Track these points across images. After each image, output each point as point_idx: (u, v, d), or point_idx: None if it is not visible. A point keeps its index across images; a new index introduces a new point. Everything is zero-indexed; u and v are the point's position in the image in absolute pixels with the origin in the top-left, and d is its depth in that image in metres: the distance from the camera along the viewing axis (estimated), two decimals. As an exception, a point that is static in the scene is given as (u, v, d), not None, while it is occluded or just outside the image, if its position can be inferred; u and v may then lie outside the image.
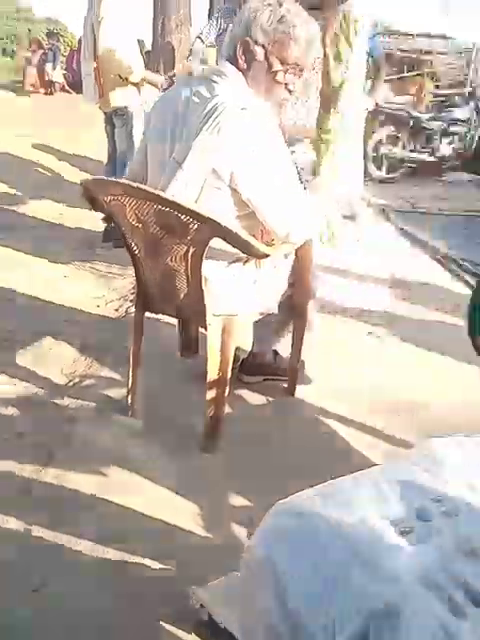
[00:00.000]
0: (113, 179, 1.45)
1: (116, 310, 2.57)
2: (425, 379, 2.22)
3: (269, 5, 1.46)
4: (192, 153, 1.42)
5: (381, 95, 5.93)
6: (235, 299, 1.62)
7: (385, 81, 6.87)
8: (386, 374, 2.23)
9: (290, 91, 1.55)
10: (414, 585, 0.67)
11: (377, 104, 5.21)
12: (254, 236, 1.54)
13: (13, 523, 1.38)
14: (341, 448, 1.77)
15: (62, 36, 6.97)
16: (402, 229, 4.34)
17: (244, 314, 1.68)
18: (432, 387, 2.16)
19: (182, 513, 1.46)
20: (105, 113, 3.38)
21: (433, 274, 3.43)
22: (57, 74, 9.82)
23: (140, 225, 1.50)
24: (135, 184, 1.41)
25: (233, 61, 1.49)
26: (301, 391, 2.04)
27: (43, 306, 2.55)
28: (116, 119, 3.27)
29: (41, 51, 10.10)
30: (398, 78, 8.12)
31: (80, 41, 3.66)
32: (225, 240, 1.47)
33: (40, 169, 4.95)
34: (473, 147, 6.03)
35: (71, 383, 2.00)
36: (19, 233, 3.46)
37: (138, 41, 3.58)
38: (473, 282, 3.22)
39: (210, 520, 1.44)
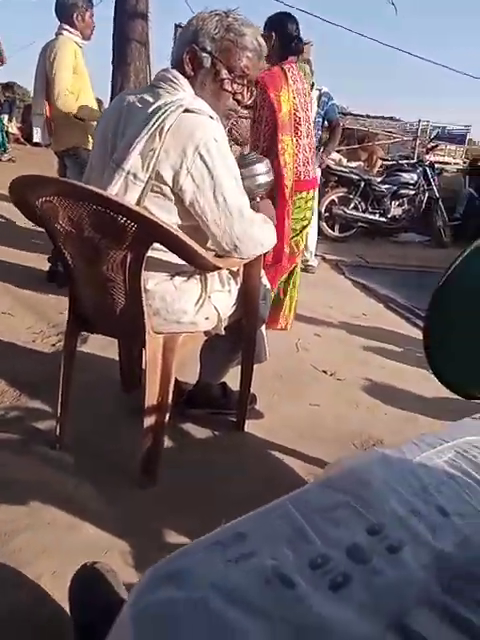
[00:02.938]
0: (44, 176, 1.34)
1: (53, 345, 2.39)
2: (378, 418, 2.13)
3: (217, 15, 1.44)
4: (133, 154, 1.34)
5: (335, 158, 6.21)
6: (177, 315, 1.50)
7: (337, 151, 7.25)
8: (341, 411, 2.14)
9: (239, 101, 1.52)
10: None
11: (329, 166, 5.43)
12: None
13: None
14: (291, 484, 1.61)
15: (18, 90, 6.89)
16: (356, 281, 4.38)
17: (187, 333, 1.56)
18: (385, 425, 2.07)
19: (111, 553, 1.26)
20: (57, 154, 3.33)
21: (387, 320, 3.44)
22: (12, 126, 9.81)
23: (74, 230, 1.38)
24: (68, 181, 1.31)
25: (180, 68, 1.45)
26: (250, 426, 1.90)
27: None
28: (68, 159, 3.20)
29: None
30: (350, 149, 8.58)
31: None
32: (166, 245, 1.37)
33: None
34: (421, 209, 6.30)
35: (-4, 416, 1.80)
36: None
37: (98, 100, 3.59)
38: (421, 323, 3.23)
39: (142, 561, 1.25)
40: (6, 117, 9.53)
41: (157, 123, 1.32)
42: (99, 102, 4.19)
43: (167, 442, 1.66)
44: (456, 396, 2.02)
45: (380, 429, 2.02)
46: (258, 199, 1.69)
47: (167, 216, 1.40)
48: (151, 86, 1.47)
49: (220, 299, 1.59)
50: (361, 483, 0.67)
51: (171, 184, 1.36)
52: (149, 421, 1.51)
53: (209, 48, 1.43)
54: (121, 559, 1.24)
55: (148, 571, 0.57)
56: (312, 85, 4.07)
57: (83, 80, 3.11)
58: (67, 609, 1.05)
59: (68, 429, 1.67)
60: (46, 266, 3.33)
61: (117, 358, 2.04)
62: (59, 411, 1.65)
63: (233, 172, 1.44)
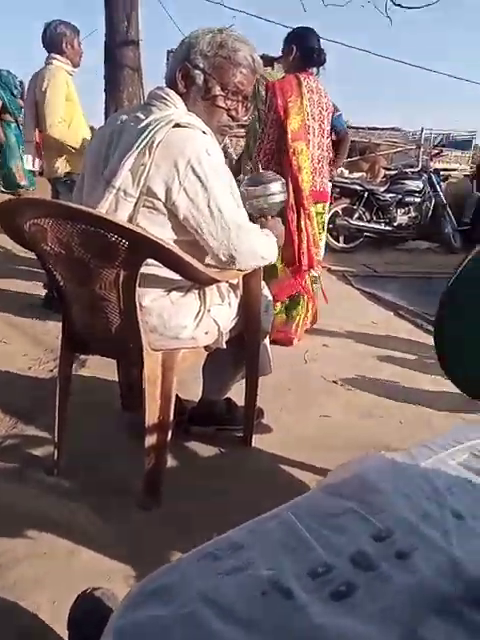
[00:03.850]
0: (32, 198, 1.34)
1: (50, 371, 2.37)
2: (392, 426, 2.07)
3: (210, 32, 1.44)
4: (122, 170, 1.32)
5: (339, 170, 6.19)
6: (176, 331, 1.47)
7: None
8: (353, 421, 2.08)
9: (233, 117, 1.51)
10: None
11: (332, 178, 5.41)
12: None
13: None
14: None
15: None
16: (364, 291, 4.33)
17: (187, 348, 1.52)
18: (400, 433, 2.01)
19: (113, 578, 1.22)
20: (50, 181, 3.34)
21: (397, 327, 3.38)
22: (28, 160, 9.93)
23: (63, 250, 1.36)
24: (56, 201, 1.30)
25: (173, 86, 1.45)
26: (258, 441, 1.85)
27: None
28: (60, 186, 3.19)
29: None
30: (351, 161, 8.57)
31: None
32: (160, 260, 1.34)
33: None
34: (429, 216, 6.24)
35: (-8, 445, 1.77)
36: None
37: (91, 128, 3.61)
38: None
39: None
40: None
41: (147, 138, 1.31)
42: (92, 130, 4.23)
43: (171, 461, 1.62)
44: (472, 402, 1.95)
45: (394, 438, 1.95)
46: (269, 218, 1.67)
47: (161, 231, 1.38)
48: (145, 104, 1.47)
49: (220, 312, 1.56)
50: (367, 488, 0.63)
51: (164, 199, 1.35)
52: (151, 440, 1.47)
53: (202, 65, 1.43)
54: (124, 583, 1.20)
55: (133, 587, 0.54)
56: None
57: (75, 107, 3.14)
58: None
59: (66, 454, 1.63)
60: (43, 293, 3.34)
61: (116, 378, 2.01)
62: (56, 436, 1.62)
63: (228, 185, 1.42)
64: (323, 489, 0.71)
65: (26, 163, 3.28)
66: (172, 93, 1.43)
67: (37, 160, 3.23)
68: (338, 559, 0.54)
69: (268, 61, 4.25)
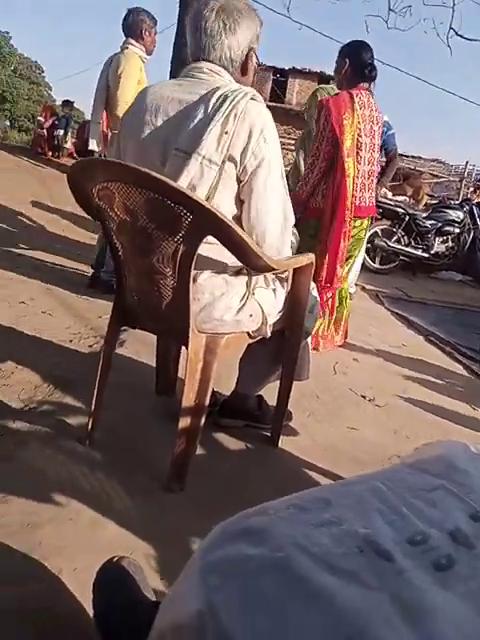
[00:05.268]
0: (105, 159, 1.33)
1: (90, 346, 2.37)
2: (418, 444, 2.02)
3: (248, 9, 1.48)
4: (208, 138, 1.33)
5: (382, 190, 6.16)
6: (222, 312, 1.44)
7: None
8: (380, 437, 2.03)
9: None
10: None
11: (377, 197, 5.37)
12: None
13: None
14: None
15: (75, 108, 7.04)
16: (395, 312, 4.28)
17: (231, 334, 1.50)
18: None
19: (134, 554, 1.18)
20: None
21: (427, 352, 3.32)
22: (68, 140, 10.24)
23: (128, 217, 1.36)
24: (129, 165, 1.29)
25: (236, 68, 1.49)
26: (284, 442, 1.81)
27: (15, 336, 2.35)
28: None
29: (53, 118, 10.27)
30: (395, 185, 8.53)
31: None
32: (220, 239, 1.32)
33: (38, 220, 4.96)
34: (466, 248, 6.17)
35: (27, 408, 1.76)
36: (9, 269, 3.33)
37: None
38: (464, 360, 3.14)
39: (164, 564, 1.18)
40: (62, 131, 9.92)
41: (229, 108, 1.34)
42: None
43: (198, 449, 1.59)
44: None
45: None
46: None
47: (228, 202, 1.41)
48: (191, 77, 1.46)
49: (264, 297, 1.54)
50: (456, 469, 0.60)
51: (238, 167, 1.38)
52: (184, 423, 1.44)
53: (255, 47, 1.52)
54: (144, 561, 1.17)
55: (217, 527, 0.52)
56: None
57: None
58: (86, 607, 0.98)
59: (99, 426, 1.62)
60: (89, 272, 3.37)
61: (152, 363, 2.00)
62: (93, 404, 1.60)
63: (282, 166, 1.47)
64: (408, 465, 0.67)
65: (91, 145, 3.31)
66: (216, 67, 1.46)
67: (101, 143, 3.28)
68: (434, 531, 0.51)
69: (325, 79, 4.26)
